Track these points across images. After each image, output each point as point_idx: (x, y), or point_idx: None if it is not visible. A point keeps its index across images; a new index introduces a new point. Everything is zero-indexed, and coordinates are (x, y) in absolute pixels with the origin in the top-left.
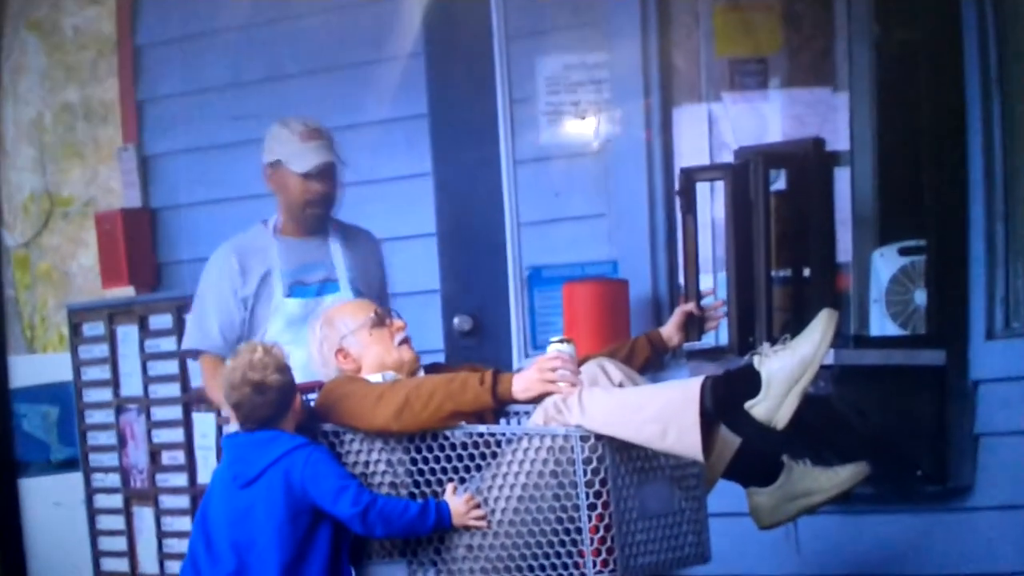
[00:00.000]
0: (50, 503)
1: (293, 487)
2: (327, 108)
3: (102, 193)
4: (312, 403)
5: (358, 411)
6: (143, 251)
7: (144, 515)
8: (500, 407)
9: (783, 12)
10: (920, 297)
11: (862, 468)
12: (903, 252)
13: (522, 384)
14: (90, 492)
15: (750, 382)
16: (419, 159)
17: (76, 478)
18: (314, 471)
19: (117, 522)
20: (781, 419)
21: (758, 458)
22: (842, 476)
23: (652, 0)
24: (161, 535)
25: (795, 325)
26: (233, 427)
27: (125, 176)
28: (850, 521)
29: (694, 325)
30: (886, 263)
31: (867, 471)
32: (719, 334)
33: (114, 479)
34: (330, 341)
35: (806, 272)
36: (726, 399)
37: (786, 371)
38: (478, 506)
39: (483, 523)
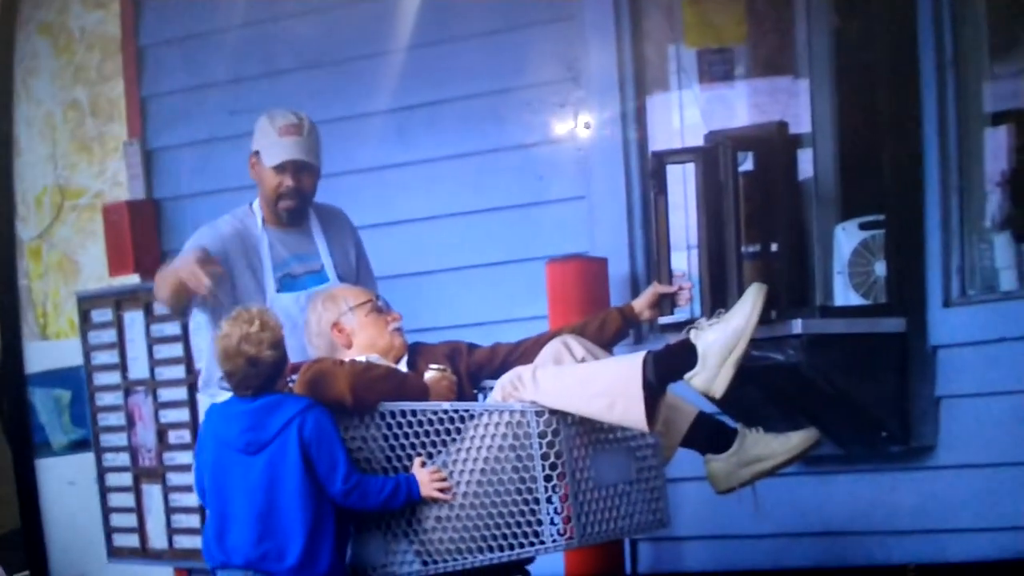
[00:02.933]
0: (65, 482)
1: (304, 443)
2: (321, 102)
3: (109, 186)
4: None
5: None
6: (148, 240)
7: (153, 492)
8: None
9: (747, 4)
10: (880, 268)
11: (812, 434)
12: (863, 226)
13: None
14: (102, 471)
15: (688, 355)
16: (409, 148)
17: (88, 458)
18: (319, 436)
19: (127, 499)
20: (718, 388)
21: (713, 427)
22: (793, 442)
23: None
24: (169, 511)
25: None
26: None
27: (130, 169)
28: (821, 480)
29: (666, 301)
30: (848, 237)
31: (816, 437)
32: (694, 306)
33: (124, 458)
34: (330, 314)
35: (774, 247)
36: (667, 372)
37: (720, 343)
38: (443, 478)
39: (448, 495)
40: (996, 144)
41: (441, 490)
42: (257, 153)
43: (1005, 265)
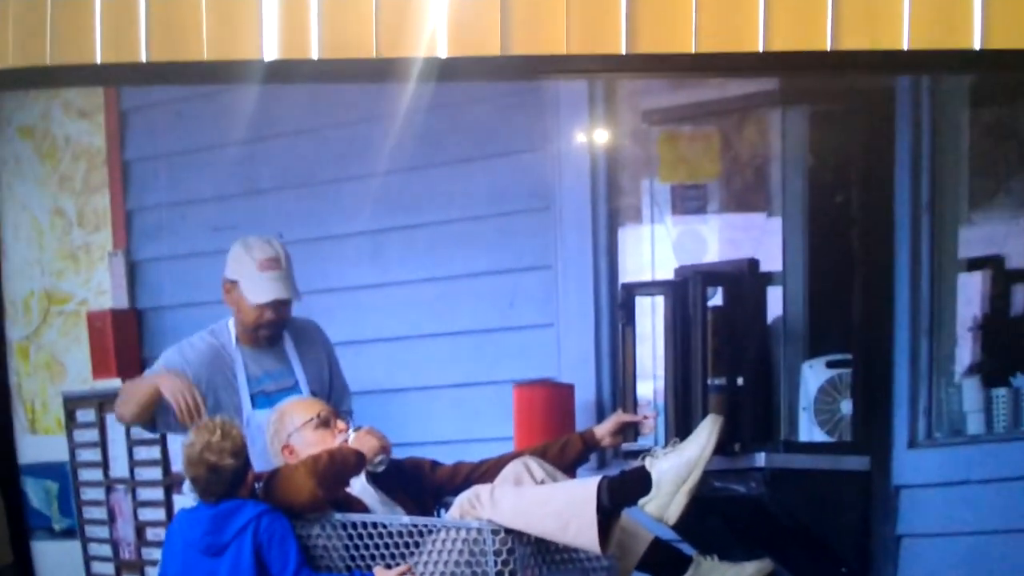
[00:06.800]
0: (56, 566)
1: (257, 545)
2: (299, 222)
3: (94, 294)
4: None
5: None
6: (130, 347)
7: None
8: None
9: (721, 142)
10: (846, 407)
11: (766, 564)
12: (831, 365)
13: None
14: (87, 559)
15: (643, 481)
16: (383, 270)
17: (76, 546)
18: (270, 537)
19: None
20: (671, 516)
21: (668, 553)
22: (747, 572)
23: (599, 126)
24: None
25: (728, 428)
26: (188, 499)
27: (114, 279)
28: None
29: (630, 429)
30: (815, 374)
31: (771, 568)
32: (658, 434)
33: (107, 549)
34: (280, 436)
35: (740, 381)
36: (622, 496)
37: (673, 472)
38: (404, 573)
39: None
40: (970, 290)
41: None
42: (235, 283)
43: (973, 409)
